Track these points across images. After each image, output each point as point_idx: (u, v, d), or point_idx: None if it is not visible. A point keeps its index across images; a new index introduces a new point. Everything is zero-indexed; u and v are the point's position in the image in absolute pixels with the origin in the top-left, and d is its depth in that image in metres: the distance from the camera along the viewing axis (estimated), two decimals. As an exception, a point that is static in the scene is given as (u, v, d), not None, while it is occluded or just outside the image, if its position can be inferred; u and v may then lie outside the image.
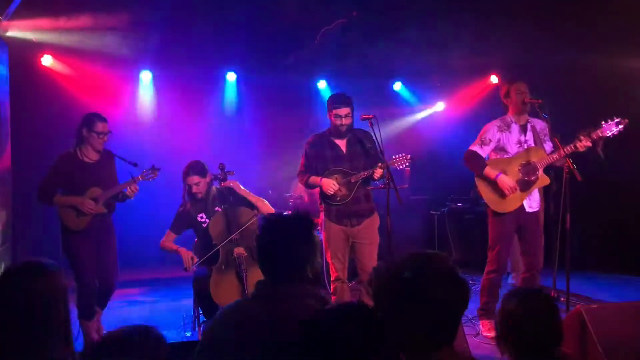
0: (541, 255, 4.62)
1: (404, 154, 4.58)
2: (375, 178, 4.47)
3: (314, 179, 4.56)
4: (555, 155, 4.39)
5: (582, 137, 4.28)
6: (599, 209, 6.93)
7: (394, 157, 4.59)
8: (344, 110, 4.48)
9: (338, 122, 4.50)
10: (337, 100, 4.54)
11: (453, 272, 1.60)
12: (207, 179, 4.58)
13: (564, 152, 4.28)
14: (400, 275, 1.57)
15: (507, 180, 4.44)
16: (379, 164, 4.44)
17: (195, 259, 4.40)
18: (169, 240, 4.58)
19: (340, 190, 4.50)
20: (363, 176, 4.46)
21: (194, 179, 4.53)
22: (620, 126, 4.29)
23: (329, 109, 4.57)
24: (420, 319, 1.53)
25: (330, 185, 4.46)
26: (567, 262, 4.46)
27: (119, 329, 1.58)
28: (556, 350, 1.99)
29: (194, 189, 4.54)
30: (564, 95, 6.56)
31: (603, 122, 4.31)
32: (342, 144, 4.61)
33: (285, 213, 6.17)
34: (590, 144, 4.27)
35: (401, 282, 1.56)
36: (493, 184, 4.50)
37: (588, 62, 6.93)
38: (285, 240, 2.04)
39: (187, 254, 4.42)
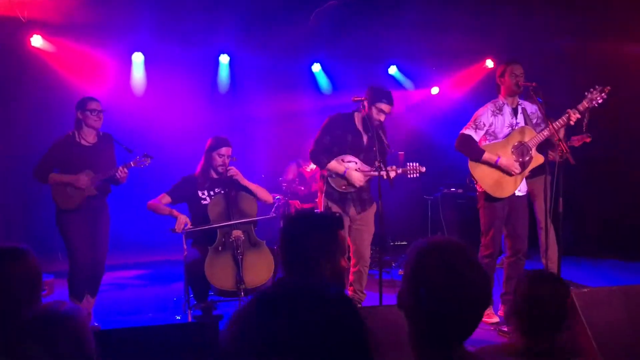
0: (526, 239, 4.60)
1: (418, 165, 4.61)
2: (376, 173, 4.40)
3: (335, 165, 4.46)
4: (545, 132, 4.37)
5: (569, 111, 4.30)
6: (592, 194, 6.94)
7: (408, 164, 4.62)
8: (388, 107, 4.44)
9: (377, 116, 4.43)
10: (385, 95, 4.46)
11: (478, 262, 1.52)
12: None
13: (554, 127, 4.27)
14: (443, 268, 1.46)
15: (509, 162, 4.42)
16: (394, 167, 4.50)
17: (189, 225, 4.39)
18: (162, 202, 4.53)
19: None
20: (375, 175, 4.40)
21: (228, 150, 4.58)
22: (604, 94, 4.30)
23: (371, 99, 4.44)
24: (452, 314, 1.45)
25: (359, 180, 4.43)
26: (560, 246, 4.48)
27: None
28: (559, 333, 2.00)
29: (222, 161, 4.55)
30: (560, 81, 6.53)
31: (587, 93, 4.33)
32: (365, 133, 4.58)
33: (277, 196, 6.12)
34: (579, 115, 4.31)
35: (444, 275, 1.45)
36: (489, 169, 4.46)
37: (584, 47, 6.90)
38: (305, 234, 2.07)
39: (183, 218, 4.42)
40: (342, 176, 4.46)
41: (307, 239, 2.06)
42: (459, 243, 1.52)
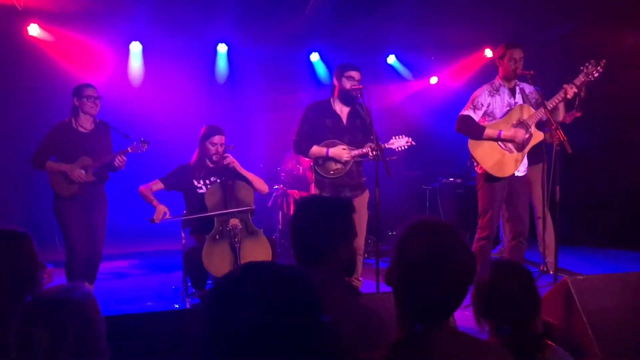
0: (527, 221, 4.58)
1: (403, 136, 4.56)
2: (371, 158, 4.40)
3: (317, 149, 4.45)
4: (543, 110, 4.35)
5: (566, 86, 4.31)
6: (588, 183, 6.95)
7: (393, 137, 4.54)
8: (357, 74, 4.45)
9: (349, 84, 4.43)
10: (351, 64, 4.50)
11: (463, 240, 1.54)
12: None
13: (552, 104, 4.29)
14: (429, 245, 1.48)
15: (511, 132, 4.41)
16: (380, 143, 4.41)
17: (168, 216, 4.39)
18: (153, 189, 4.52)
19: (335, 164, 4.47)
20: (360, 153, 4.42)
21: (221, 138, 4.54)
22: (599, 67, 4.32)
23: (339, 73, 4.49)
24: (433, 289, 1.45)
25: (344, 153, 4.40)
26: (557, 234, 4.48)
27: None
28: (534, 321, 1.98)
29: (216, 150, 4.52)
30: (558, 70, 6.51)
31: (582, 67, 4.34)
32: (343, 114, 4.54)
33: (275, 187, 6.11)
34: (576, 90, 4.32)
35: (425, 251, 1.47)
36: (490, 150, 4.45)
37: (583, 36, 6.89)
38: (319, 221, 2.01)
39: (161, 208, 4.40)
40: (326, 158, 4.44)
41: (322, 226, 2.01)
42: (445, 222, 1.54)
